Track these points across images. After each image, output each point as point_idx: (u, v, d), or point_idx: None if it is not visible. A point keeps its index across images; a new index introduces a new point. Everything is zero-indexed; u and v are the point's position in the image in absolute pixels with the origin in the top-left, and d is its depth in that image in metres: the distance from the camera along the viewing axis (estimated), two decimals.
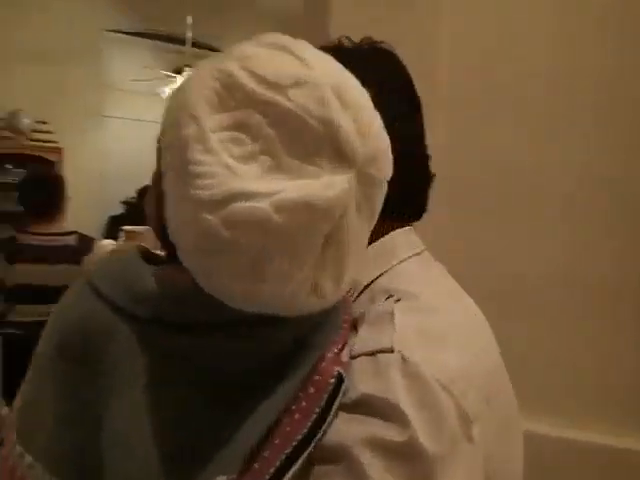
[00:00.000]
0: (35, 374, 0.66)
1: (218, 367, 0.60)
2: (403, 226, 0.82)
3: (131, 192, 6.37)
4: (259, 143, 0.52)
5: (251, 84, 0.53)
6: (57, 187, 2.97)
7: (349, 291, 0.73)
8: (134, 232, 3.24)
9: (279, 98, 0.52)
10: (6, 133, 6.31)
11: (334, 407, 0.60)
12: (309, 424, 0.58)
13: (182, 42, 6.91)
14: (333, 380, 0.60)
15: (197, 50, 5.67)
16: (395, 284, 0.74)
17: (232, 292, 0.55)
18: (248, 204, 0.50)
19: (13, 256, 2.73)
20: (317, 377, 0.61)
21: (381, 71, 0.76)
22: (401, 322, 0.65)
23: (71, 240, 2.86)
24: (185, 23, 5.29)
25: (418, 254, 0.81)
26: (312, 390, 0.60)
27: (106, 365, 0.61)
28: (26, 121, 6.27)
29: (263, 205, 0.50)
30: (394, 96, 0.75)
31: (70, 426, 0.61)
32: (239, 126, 0.53)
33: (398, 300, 0.69)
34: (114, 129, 7.14)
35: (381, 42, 0.81)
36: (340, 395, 0.60)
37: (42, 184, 2.94)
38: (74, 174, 6.52)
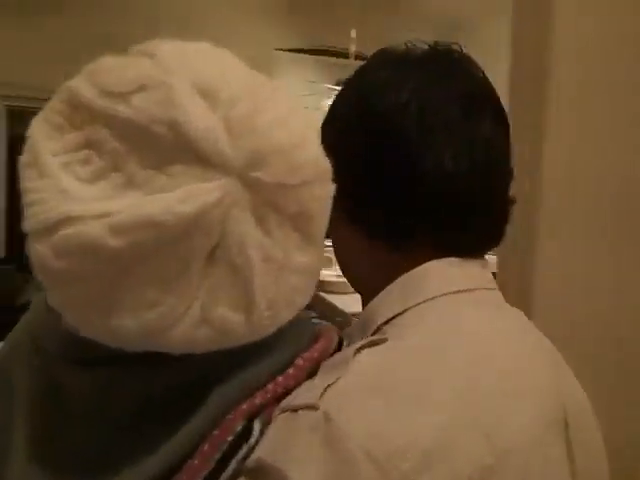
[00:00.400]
0: None
1: (117, 402, 0.55)
2: (447, 256, 0.67)
3: None
4: (107, 159, 0.48)
5: (94, 97, 0.50)
6: None
7: (342, 328, 0.66)
8: None
9: (120, 107, 0.48)
10: None
11: (227, 471, 0.51)
12: None
13: (345, 56, 7.05)
14: (230, 438, 0.52)
15: (361, 62, 5.66)
16: (403, 324, 0.63)
17: (94, 329, 0.49)
18: (77, 229, 0.45)
19: None
20: (216, 432, 0.53)
21: (446, 80, 0.68)
22: (355, 370, 0.54)
23: None
24: (349, 37, 5.29)
25: (461, 292, 0.66)
26: (206, 447, 0.52)
27: (12, 393, 0.59)
28: None
29: (95, 228, 0.44)
30: (461, 108, 0.66)
31: None
32: (87, 144, 0.49)
33: (377, 341, 0.58)
34: None
35: (454, 45, 0.72)
36: (237, 456, 0.52)
37: None
38: None
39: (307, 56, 7.28)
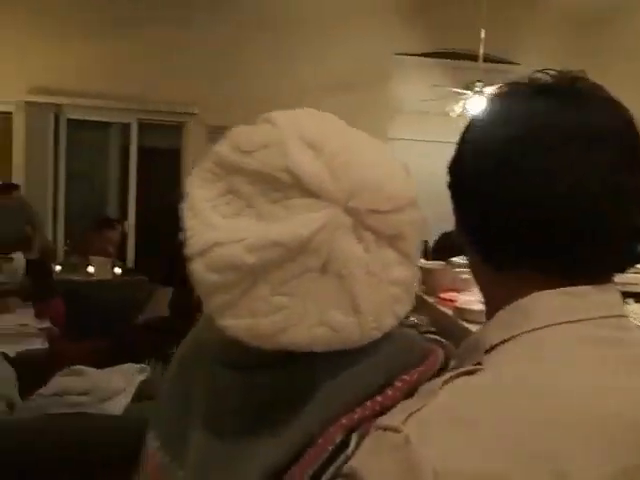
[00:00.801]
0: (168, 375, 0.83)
1: (255, 398, 0.68)
2: (560, 286, 0.65)
3: None
4: (242, 200, 0.63)
5: (230, 155, 0.65)
6: None
7: (444, 355, 0.70)
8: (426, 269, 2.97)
9: (250, 161, 0.63)
10: None
11: (326, 474, 0.61)
12: None
13: (471, 58, 6.70)
14: (331, 448, 0.62)
15: (490, 65, 5.27)
16: (505, 352, 0.63)
17: (237, 330, 0.62)
18: (222, 251, 0.60)
19: None
20: (320, 440, 0.62)
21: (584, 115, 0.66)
22: (440, 400, 0.58)
23: None
24: (476, 38, 4.94)
25: (571, 322, 0.63)
26: (312, 451, 0.62)
27: (190, 390, 0.76)
28: None
29: (235, 249, 0.59)
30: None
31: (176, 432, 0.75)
32: (228, 191, 0.64)
33: (472, 371, 0.61)
34: (401, 151, 7.15)
35: (583, 75, 0.69)
36: (336, 463, 0.61)
37: None
38: None
39: (431, 60, 6.99)
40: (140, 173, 7.04)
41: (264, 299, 0.59)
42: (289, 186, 0.60)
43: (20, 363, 2.53)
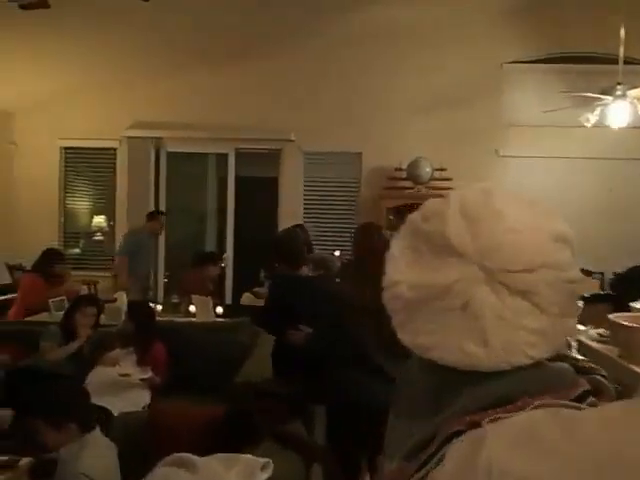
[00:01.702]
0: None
1: (431, 389, 0.85)
2: None
3: None
4: (418, 253, 0.80)
5: (418, 219, 0.82)
6: None
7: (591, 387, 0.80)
8: None
9: (426, 226, 0.81)
10: (408, 183, 6.32)
11: (432, 460, 0.75)
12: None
13: (593, 61, 6.02)
14: (438, 442, 0.76)
15: (629, 67, 4.59)
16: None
17: (404, 342, 0.81)
18: (396, 287, 0.81)
19: None
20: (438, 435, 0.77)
21: None
22: (529, 416, 0.72)
23: None
24: (613, 40, 4.31)
25: None
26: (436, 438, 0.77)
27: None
28: (426, 169, 6.16)
29: (402, 287, 0.79)
30: None
31: None
32: (412, 246, 0.82)
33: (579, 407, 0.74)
34: (514, 169, 6.53)
35: None
36: (439, 454, 0.74)
37: None
38: None
39: (545, 65, 6.37)
40: (238, 203, 6.89)
41: (420, 324, 0.79)
42: (443, 246, 0.77)
43: (121, 430, 2.25)
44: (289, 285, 3.04)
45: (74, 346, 3.48)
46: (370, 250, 2.46)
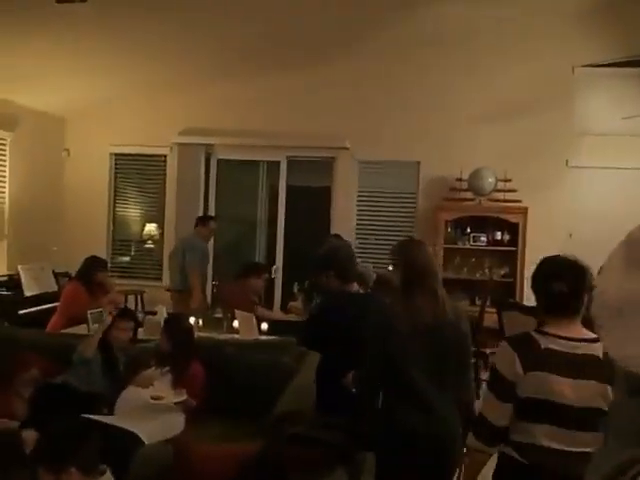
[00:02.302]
0: None
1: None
2: None
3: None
4: (631, 263, 0.88)
5: (630, 249, 1.06)
6: None
7: None
8: None
9: None
10: (469, 195, 5.90)
11: None
12: None
13: None
14: None
15: None
16: None
17: (621, 355, 0.96)
18: (603, 295, 1.02)
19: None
20: None
21: None
22: None
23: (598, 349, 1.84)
24: None
25: None
26: None
27: None
28: (489, 180, 5.73)
29: (612, 296, 0.94)
30: None
31: None
32: (622, 256, 1.02)
33: None
34: (585, 181, 6.01)
35: None
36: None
37: None
38: (538, 236, 5.79)
39: (624, 70, 5.86)
40: (288, 212, 6.63)
41: (628, 334, 0.87)
42: None
43: (142, 467, 1.97)
44: (341, 302, 2.74)
45: (99, 331, 3.34)
46: (420, 268, 2.14)
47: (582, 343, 1.65)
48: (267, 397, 2.94)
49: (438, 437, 2.02)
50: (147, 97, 6.62)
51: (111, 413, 3.00)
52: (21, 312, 5.49)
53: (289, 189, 6.64)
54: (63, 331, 4.34)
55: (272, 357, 3.43)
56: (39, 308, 5.64)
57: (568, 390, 1.62)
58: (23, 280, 5.79)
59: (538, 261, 1.77)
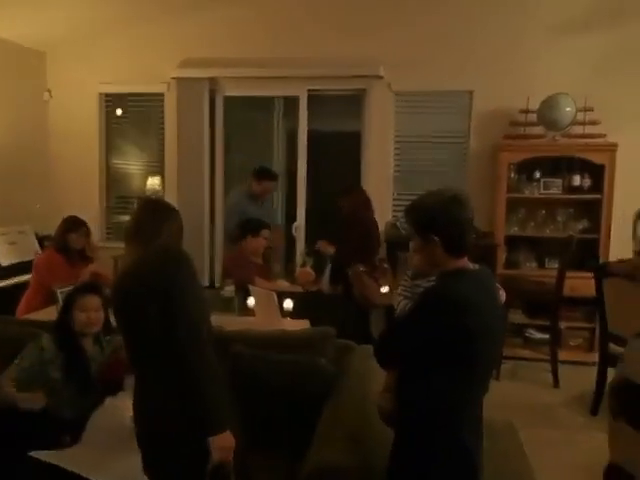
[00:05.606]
0: None
1: None
2: None
3: None
4: None
5: None
6: None
7: None
8: None
9: None
10: (539, 130, 4.72)
11: None
12: None
13: None
14: None
15: None
16: None
17: None
18: None
19: None
20: None
21: None
22: None
23: None
24: None
25: None
26: None
27: None
28: (567, 110, 4.54)
29: None
30: None
31: None
32: None
33: None
34: None
35: None
36: None
37: None
38: (630, 180, 4.57)
39: None
40: (310, 160, 5.54)
41: None
42: None
43: None
44: (476, 286, 1.60)
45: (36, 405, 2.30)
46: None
47: None
48: (296, 420, 2.00)
49: None
50: (138, 26, 5.55)
51: (77, 441, 2.20)
52: None
53: (310, 133, 5.53)
54: (26, 316, 3.55)
55: (301, 358, 2.36)
56: (17, 280, 4.77)
57: None
58: None
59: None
